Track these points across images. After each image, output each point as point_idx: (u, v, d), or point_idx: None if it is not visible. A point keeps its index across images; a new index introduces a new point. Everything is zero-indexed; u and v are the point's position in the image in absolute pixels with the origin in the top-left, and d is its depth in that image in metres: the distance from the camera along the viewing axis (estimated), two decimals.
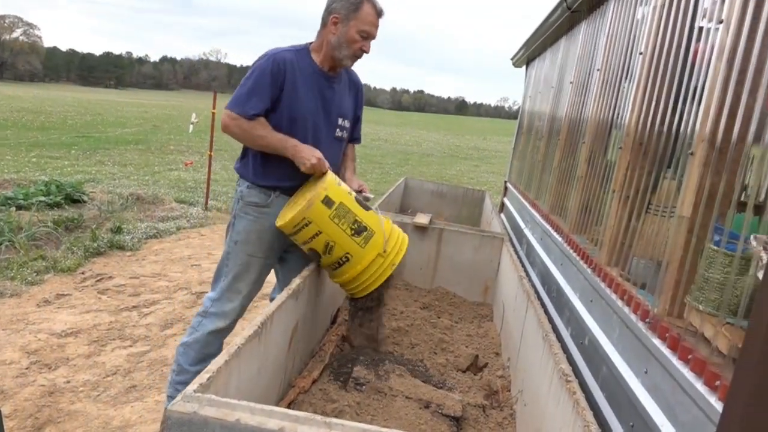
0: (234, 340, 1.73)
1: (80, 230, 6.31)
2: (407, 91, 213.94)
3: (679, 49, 2.25)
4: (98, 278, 5.08)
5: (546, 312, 2.64)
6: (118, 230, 6.36)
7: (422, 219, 4.19)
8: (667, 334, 1.83)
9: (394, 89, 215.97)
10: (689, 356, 1.66)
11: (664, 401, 1.75)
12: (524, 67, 7.56)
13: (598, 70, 3.41)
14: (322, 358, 2.69)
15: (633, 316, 2.11)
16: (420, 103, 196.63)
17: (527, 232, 4.82)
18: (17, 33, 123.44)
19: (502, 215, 6.75)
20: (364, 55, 2.67)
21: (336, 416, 2.08)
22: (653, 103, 2.39)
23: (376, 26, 2.65)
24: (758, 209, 1.62)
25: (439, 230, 4.09)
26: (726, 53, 1.80)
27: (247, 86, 2.54)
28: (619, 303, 2.27)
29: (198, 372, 1.51)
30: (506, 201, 6.95)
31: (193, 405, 1.31)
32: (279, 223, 2.53)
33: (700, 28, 2.11)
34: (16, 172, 9.67)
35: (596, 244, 2.86)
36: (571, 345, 2.80)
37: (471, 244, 4.05)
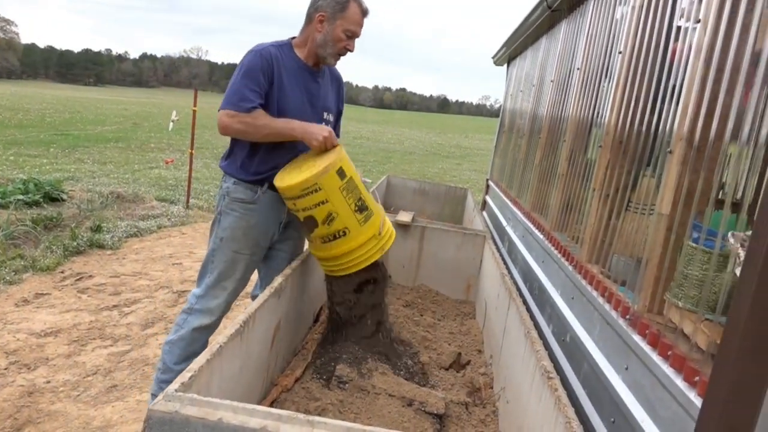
0: (216, 339, 1.73)
1: (59, 229, 6.23)
2: (389, 89, 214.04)
3: (658, 48, 2.27)
4: (78, 277, 5.02)
5: (528, 309, 2.66)
6: (98, 229, 6.28)
7: (405, 217, 4.20)
8: (647, 331, 1.85)
9: (376, 87, 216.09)
10: (669, 352, 1.68)
11: (644, 397, 1.77)
12: (505, 65, 7.59)
13: (578, 69, 3.43)
14: (305, 357, 2.68)
15: (613, 313, 2.13)
16: (402, 101, 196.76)
17: (509, 229, 4.84)
18: None
19: (484, 213, 6.78)
20: (348, 53, 2.70)
21: (319, 415, 2.08)
22: (632, 102, 2.41)
23: (362, 25, 2.68)
24: (735, 207, 1.64)
25: (421, 228, 4.10)
26: (703, 52, 1.83)
27: (239, 83, 2.53)
28: (600, 300, 2.29)
29: (182, 370, 1.51)
30: (488, 199, 6.98)
31: (175, 404, 1.31)
32: (284, 184, 2.46)
33: (678, 28, 2.13)
34: None
35: (577, 241, 2.89)
36: (552, 342, 2.82)
37: (453, 241, 4.06)
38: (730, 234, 1.62)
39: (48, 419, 2.92)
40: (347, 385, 2.34)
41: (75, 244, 5.70)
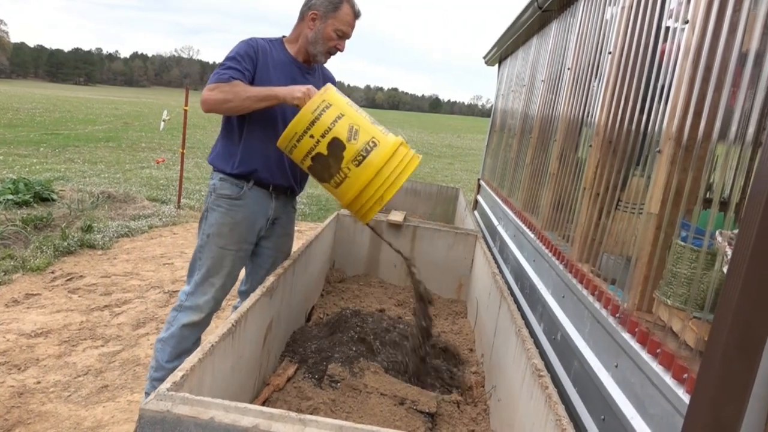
0: (208, 338, 1.73)
1: (50, 229, 6.20)
2: (381, 89, 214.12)
3: (647, 48, 2.29)
4: (69, 277, 5.00)
5: (519, 308, 2.67)
6: (88, 229, 6.26)
7: (396, 216, 4.20)
8: (636, 329, 1.86)
9: (368, 87, 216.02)
10: (658, 350, 1.69)
11: (633, 394, 1.78)
12: (497, 65, 7.61)
13: (568, 68, 3.45)
14: (298, 356, 2.68)
15: (603, 312, 2.14)
16: (394, 100, 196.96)
17: (500, 229, 4.86)
18: None
19: (476, 212, 6.80)
20: (338, 53, 2.75)
21: (311, 414, 2.08)
22: (622, 102, 2.43)
23: (353, 27, 2.73)
24: (723, 206, 1.66)
25: (413, 228, 4.11)
26: (692, 53, 1.84)
27: (223, 65, 2.56)
28: (590, 298, 2.30)
29: (174, 368, 1.51)
30: (480, 198, 7.00)
31: (167, 403, 1.31)
32: (293, 121, 2.35)
33: (667, 28, 2.15)
34: None
35: (568, 240, 2.90)
36: (543, 340, 2.83)
37: (445, 241, 4.07)
38: (717, 232, 1.64)
39: (39, 420, 2.91)
40: (339, 384, 2.34)
41: (65, 244, 5.67)
